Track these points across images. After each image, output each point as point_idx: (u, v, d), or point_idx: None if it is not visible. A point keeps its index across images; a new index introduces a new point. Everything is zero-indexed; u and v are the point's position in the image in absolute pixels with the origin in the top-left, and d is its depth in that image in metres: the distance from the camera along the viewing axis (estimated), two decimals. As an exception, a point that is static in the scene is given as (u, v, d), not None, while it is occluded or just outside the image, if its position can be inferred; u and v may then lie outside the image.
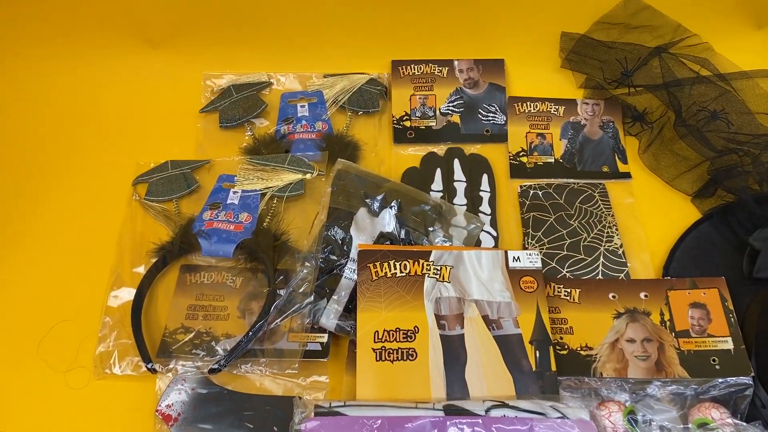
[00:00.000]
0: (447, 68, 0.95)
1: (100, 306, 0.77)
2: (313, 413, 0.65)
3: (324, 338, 0.74)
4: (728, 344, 0.72)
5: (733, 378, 0.70)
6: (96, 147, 0.91)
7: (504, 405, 0.65)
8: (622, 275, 0.79)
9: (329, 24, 0.94)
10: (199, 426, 0.70)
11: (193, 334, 0.75)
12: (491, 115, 0.92)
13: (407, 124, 0.92)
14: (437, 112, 0.93)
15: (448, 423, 0.64)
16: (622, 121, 0.92)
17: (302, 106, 0.92)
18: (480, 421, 0.64)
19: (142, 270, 0.79)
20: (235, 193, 0.83)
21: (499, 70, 0.95)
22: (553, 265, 0.80)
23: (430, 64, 0.95)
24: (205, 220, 0.81)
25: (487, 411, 0.65)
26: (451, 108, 0.93)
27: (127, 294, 0.78)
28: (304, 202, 0.83)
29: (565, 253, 0.81)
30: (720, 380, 0.70)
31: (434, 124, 0.92)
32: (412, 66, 0.95)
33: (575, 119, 0.92)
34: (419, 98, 0.93)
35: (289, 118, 0.91)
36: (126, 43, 0.96)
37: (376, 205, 0.80)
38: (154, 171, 0.87)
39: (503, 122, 0.92)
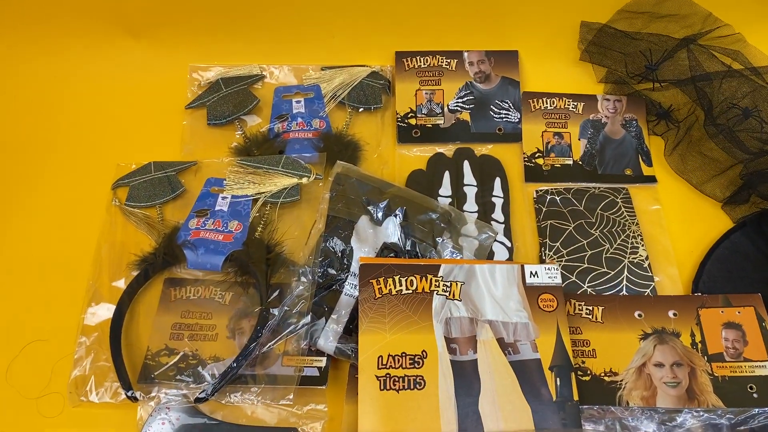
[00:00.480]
0: (456, 61, 0.88)
1: (76, 324, 0.70)
2: (310, 451, 0.59)
3: (322, 362, 0.67)
4: (767, 370, 0.66)
5: (774, 408, 0.64)
6: (72, 146, 0.84)
7: None
8: (648, 291, 0.72)
9: (327, 12, 0.86)
10: (184, 461, 0.64)
11: (178, 356, 0.68)
12: (504, 112, 0.85)
13: (412, 121, 0.84)
14: (445, 108, 0.85)
15: None
16: (646, 120, 0.85)
17: (298, 102, 0.85)
18: None
19: (122, 284, 0.72)
20: (224, 198, 0.76)
21: (512, 63, 0.88)
22: (573, 279, 0.73)
23: (438, 56, 0.88)
24: (191, 228, 0.74)
25: None
26: (460, 104, 0.86)
27: (106, 311, 0.71)
28: (299, 209, 0.76)
29: (586, 266, 0.74)
30: (758, 410, 0.64)
31: (442, 122, 0.85)
32: (418, 58, 0.88)
33: (595, 117, 0.85)
34: (425, 93, 0.86)
35: (283, 115, 0.83)
36: (105, 33, 0.88)
37: (379, 213, 0.73)
38: (135, 173, 0.79)
39: (517, 120, 0.85)
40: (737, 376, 0.66)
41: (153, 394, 0.65)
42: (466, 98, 0.86)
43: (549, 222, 0.77)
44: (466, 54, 0.88)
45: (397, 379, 0.64)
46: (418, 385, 0.64)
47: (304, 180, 0.76)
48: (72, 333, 0.70)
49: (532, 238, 0.77)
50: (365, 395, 0.63)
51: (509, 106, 0.86)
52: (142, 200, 0.77)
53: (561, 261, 0.75)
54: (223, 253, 0.72)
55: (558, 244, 0.76)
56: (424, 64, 0.88)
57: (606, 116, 0.85)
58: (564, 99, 0.86)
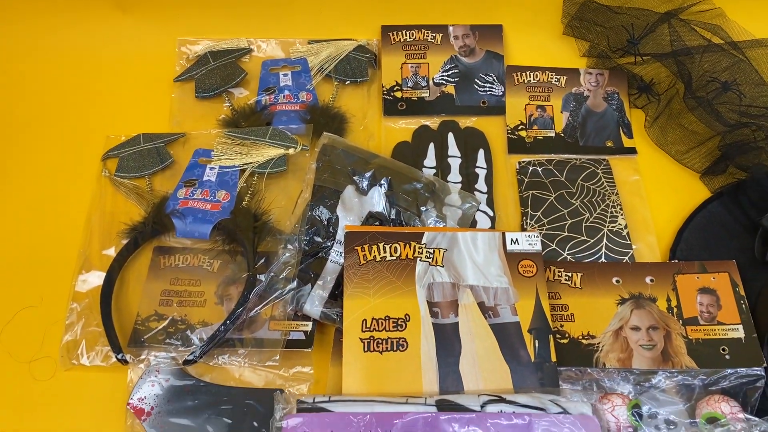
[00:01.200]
0: (441, 35, 0.89)
1: (67, 291, 0.72)
2: (295, 409, 0.60)
3: (308, 327, 0.69)
4: (739, 333, 0.68)
5: (744, 369, 0.66)
6: (62, 119, 0.85)
7: (501, 400, 0.61)
8: (627, 258, 0.74)
9: (314, -14, 0.87)
10: (173, 421, 0.65)
11: (167, 321, 0.69)
12: (488, 85, 0.86)
13: (398, 94, 0.86)
14: (430, 82, 0.87)
15: (440, 419, 0.59)
16: (627, 93, 0.86)
17: (285, 75, 0.85)
18: (475, 417, 0.59)
19: (112, 252, 0.74)
20: (212, 169, 0.77)
21: (496, 37, 0.89)
22: (554, 247, 0.75)
23: (423, 30, 0.89)
24: (179, 198, 0.75)
25: (482, 406, 0.60)
26: (445, 78, 0.87)
27: (96, 278, 0.72)
28: (286, 179, 0.77)
29: (566, 234, 0.76)
30: (730, 371, 0.66)
31: (427, 95, 0.86)
32: (404, 32, 0.89)
33: (578, 90, 0.86)
34: (411, 67, 0.87)
35: (270, 88, 0.84)
36: (95, 7, 0.89)
37: (365, 182, 0.75)
38: (125, 145, 0.81)
39: (501, 93, 0.86)
40: (710, 338, 0.68)
41: (143, 357, 0.67)
42: (450, 72, 0.87)
43: (531, 192, 0.79)
44: (451, 28, 0.89)
45: (380, 341, 0.66)
46: (400, 347, 0.66)
47: (291, 151, 0.78)
48: (63, 300, 0.72)
49: (514, 207, 0.79)
50: (349, 357, 0.65)
51: (493, 80, 0.87)
52: (131, 171, 0.79)
53: (542, 230, 0.76)
54: (210, 222, 0.73)
55: (539, 213, 0.77)
56: (410, 38, 0.89)
57: (588, 90, 0.86)
58: (547, 72, 0.87)
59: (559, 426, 0.59)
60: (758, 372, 0.65)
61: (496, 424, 0.59)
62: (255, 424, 0.64)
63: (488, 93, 0.86)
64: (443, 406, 0.60)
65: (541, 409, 0.60)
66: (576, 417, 0.60)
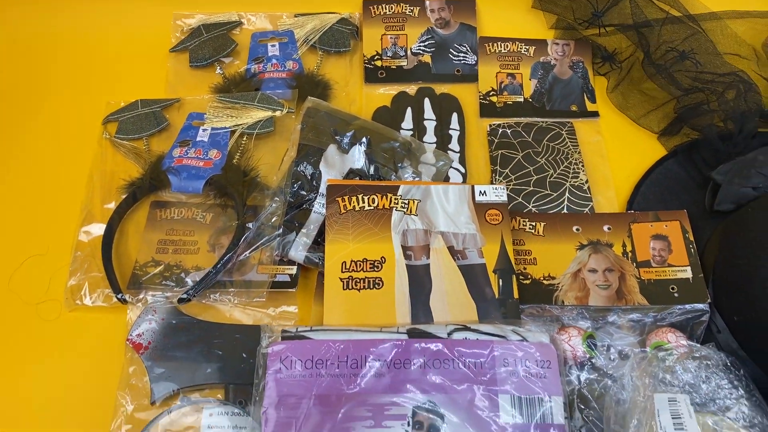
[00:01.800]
0: (418, 8, 0.95)
1: (71, 241, 0.78)
2: (280, 338, 0.67)
3: (293, 270, 0.75)
4: (687, 273, 0.74)
5: (691, 305, 0.72)
6: (66, 87, 0.91)
7: (466, 328, 0.67)
8: (587, 210, 0.81)
9: (300, -38, 0.94)
10: (168, 354, 0.71)
11: (163, 266, 0.76)
12: (462, 55, 0.93)
13: (378, 63, 0.92)
14: (408, 52, 0.93)
15: (411, 345, 0.65)
16: (591, 62, 0.92)
17: (273, 46, 0.92)
18: (442, 343, 0.66)
19: (112, 206, 0.79)
20: (204, 130, 0.83)
21: (470, 10, 0.95)
22: (520, 200, 0.81)
23: (402, 4, 0.95)
24: (174, 156, 0.81)
25: (449, 334, 0.66)
26: (422, 48, 0.93)
27: (98, 230, 0.78)
28: (273, 140, 0.83)
29: (532, 188, 0.82)
30: (678, 307, 0.72)
31: (405, 63, 0.92)
32: (384, 5, 0.95)
33: (545, 59, 0.92)
34: (390, 38, 0.93)
35: (259, 58, 0.90)
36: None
37: (346, 141, 0.81)
38: (124, 110, 0.87)
39: (474, 62, 0.92)
40: (661, 279, 0.74)
41: (140, 297, 0.73)
42: (427, 42, 0.93)
43: (500, 152, 0.85)
44: (428, 2, 0.95)
45: (358, 280, 0.72)
46: (376, 286, 0.72)
47: (278, 113, 0.84)
48: (68, 248, 0.78)
49: (484, 166, 0.85)
50: (330, 294, 0.71)
51: (467, 50, 0.93)
52: (130, 133, 0.85)
53: (509, 185, 0.82)
54: (203, 178, 0.79)
55: (507, 170, 0.84)
56: (389, 12, 0.95)
57: (555, 59, 0.93)
58: (517, 43, 0.93)
59: (518, 351, 0.65)
60: (703, 307, 0.72)
61: (460, 350, 0.65)
62: (244, 355, 0.70)
63: (462, 62, 0.92)
64: (414, 333, 0.66)
65: (503, 336, 0.66)
66: (534, 344, 0.66)
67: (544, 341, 0.67)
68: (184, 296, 0.72)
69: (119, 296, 0.73)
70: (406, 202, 0.76)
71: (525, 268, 0.75)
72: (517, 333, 0.67)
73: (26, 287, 0.76)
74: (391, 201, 0.76)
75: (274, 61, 0.90)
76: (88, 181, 0.82)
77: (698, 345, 0.67)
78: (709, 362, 0.67)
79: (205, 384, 0.69)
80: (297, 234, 0.76)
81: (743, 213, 0.72)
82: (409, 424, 0.62)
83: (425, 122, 0.87)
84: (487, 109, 0.89)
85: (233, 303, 0.73)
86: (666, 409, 0.63)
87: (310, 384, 0.64)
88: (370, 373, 0.64)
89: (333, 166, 0.80)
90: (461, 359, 0.65)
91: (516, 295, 0.71)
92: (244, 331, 0.72)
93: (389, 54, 0.92)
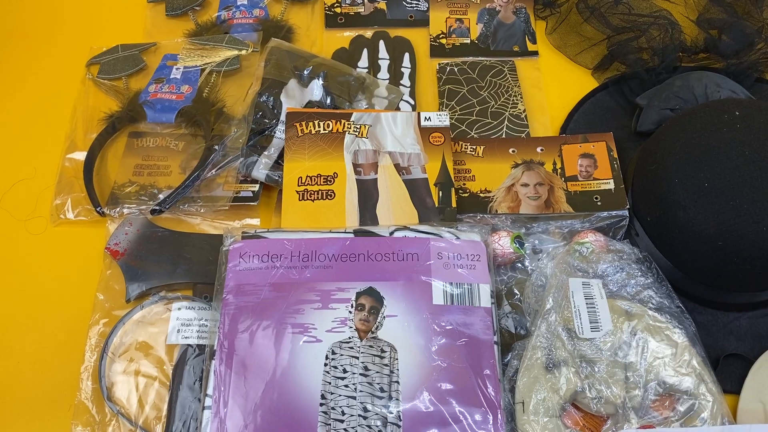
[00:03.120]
0: (375, -40, 1.04)
1: (57, 167, 0.86)
2: (240, 238, 0.75)
3: (255, 187, 0.83)
4: (610, 185, 0.82)
5: (612, 211, 0.80)
6: (52, 33, 1.00)
7: (405, 228, 0.75)
8: (524, 135, 0.89)
9: None
10: (142, 259, 0.79)
11: (138, 186, 0.84)
12: (415, 2, 1.01)
13: (338, 10, 1.00)
14: (365, -1, 1.01)
15: (356, 241, 0.73)
16: (533, 8, 1.00)
17: (241, -4, 1.00)
18: (383, 240, 0.74)
19: (94, 136, 0.87)
20: (177, 69, 0.92)
21: (423, -38, 1.04)
22: (463, 128, 0.89)
23: (360, -44, 1.03)
24: (150, 92, 0.89)
25: (391, 234, 0.75)
26: (378, -4, 1.02)
27: (81, 157, 0.86)
28: (240, 77, 0.91)
29: (474, 118, 0.90)
30: (601, 214, 0.80)
31: (362, 10, 1.00)
32: (344, -41, 1.03)
33: (491, 6, 1.00)
34: (350, -12, 1.02)
35: (229, 6, 0.99)
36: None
37: (305, 75, 0.89)
38: (105, 53, 0.95)
39: (426, 8, 1.00)
40: (586, 190, 0.82)
41: (118, 210, 0.81)
42: (383, -9, 1.02)
43: (447, 87, 0.93)
44: (384, -45, 1.04)
45: (312, 192, 0.80)
46: (329, 197, 0.80)
47: (243, 52, 0.92)
48: (53, 173, 0.86)
49: (433, 99, 0.93)
50: (287, 205, 0.79)
51: (419, -3, 1.02)
52: (111, 73, 0.93)
53: (455, 115, 0.90)
54: (175, 109, 0.87)
55: (453, 102, 0.92)
56: (349, -36, 1.03)
57: (500, 5, 1.00)
58: (466, -9, 1.02)
59: (451, 246, 0.73)
60: (623, 213, 0.80)
61: (399, 245, 0.73)
62: (210, 258, 0.78)
63: (415, 8, 1.00)
64: (359, 233, 0.75)
65: (438, 235, 0.74)
66: (466, 241, 0.74)
67: (476, 239, 0.75)
68: (156, 207, 0.79)
69: (98, 209, 0.81)
70: (358, 126, 0.84)
71: (464, 184, 0.83)
72: (451, 233, 0.75)
73: (16, 206, 0.84)
74: (344, 126, 0.84)
75: (242, 8, 0.98)
76: (72, 115, 0.90)
77: (613, 240, 0.75)
78: (622, 254, 0.75)
79: (174, 283, 0.77)
80: (259, 156, 0.84)
81: (658, 129, 0.80)
82: (352, 306, 0.70)
83: (380, 61, 0.95)
84: (436, 51, 0.97)
85: (200, 214, 0.81)
86: (580, 291, 0.70)
87: (265, 274, 0.72)
88: (318, 264, 0.72)
89: (293, 98, 0.88)
90: (400, 252, 0.73)
91: (454, 204, 0.79)
92: (210, 239, 0.80)
93: (348, 1, 1.00)
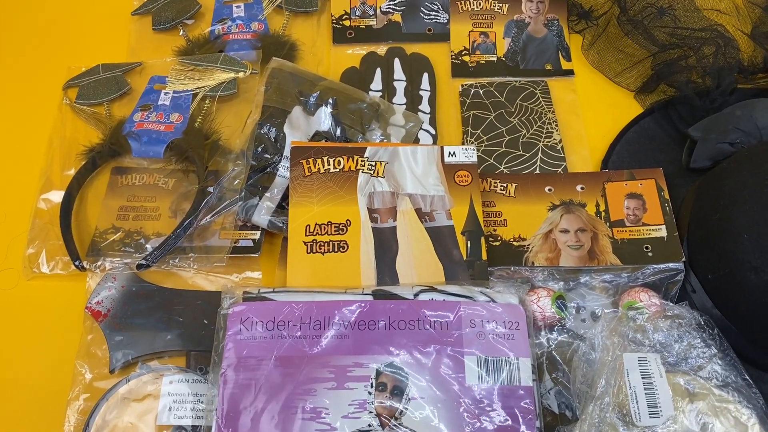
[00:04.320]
0: (388, -34, 0.92)
1: (30, 209, 0.76)
2: (241, 299, 0.65)
3: (256, 235, 0.73)
4: (662, 232, 0.72)
5: (665, 264, 0.70)
6: (26, 51, 0.88)
7: (432, 289, 0.65)
8: (560, 170, 0.78)
9: None
10: (128, 321, 0.69)
11: (123, 233, 0.73)
12: (433, 13, 0.90)
13: (347, 23, 0.89)
14: (378, 10, 0.90)
15: (375, 307, 0.63)
16: (567, 19, 0.89)
17: (238, 7, 0.88)
18: (407, 305, 0.64)
19: (72, 173, 0.77)
20: (166, 94, 0.81)
21: (442, -32, 0.92)
22: (491, 161, 0.79)
23: (371, -38, 0.92)
24: (135, 121, 0.79)
25: (415, 296, 0.65)
26: (392, 6, 0.90)
27: (57, 197, 0.76)
28: (237, 103, 0.81)
29: (504, 149, 0.80)
30: (652, 267, 0.70)
31: (375, 23, 0.89)
32: (353, -36, 0.92)
33: (519, 17, 0.89)
34: (359, -3, 0.91)
35: (223, 19, 0.87)
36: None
37: (311, 102, 0.78)
38: (85, 75, 0.84)
39: (446, 21, 0.89)
40: (635, 238, 0.72)
41: (99, 263, 0.71)
42: (397, 0, 0.90)
43: (472, 112, 0.83)
44: (398, -40, 0.93)
45: (322, 243, 0.70)
46: (341, 249, 0.70)
47: (241, 74, 0.81)
48: (26, 216, 0.76)
49: (456, 127, 0.82)
50: (294, 258, 0.69)
51: (438, 8, 0.90)
52: (90, 98, 0.82)
53: (481, 146, 0.80)
54: (164, 142, 0.77)
55: (479, 131, 0.81)
56: (358, -30, 0.92)
57: (529, 17, 0.90)
58: (490, 1, 0.90)
59: (485, 312, 0.63)
60: (677, 266, 0.70)
61: (425, 311, 0.63)
62: (205, 321, 0.68)
63: (434, 21, 0.89)
64: (379, 295, 0.65)
65: (470, 297, 0.65)
66: (502, 305, 0.64)
67: (513, 302, 0.65)
68: (143, 262, 0.69)
69: (77, 263, 0.71)
70: (373, 164, 0.73)
71: (495, 230, 0.73)
72: (485, 294, 0.65)
73: (-18, 256, 0.75)
74: (357, 163, 0.74)
75: (239, 22, 0.87)
76: (47, 148, 0.80)
77: (671, 304, 0.65)
78: (681, 321, 0.65)
79: (165, 351, 0.67)
80: (260, 198, 0.74)
81: (718, 169, 0.70)
82: (372, 386, 0.60)
83: (395, 83, 0.84)
84: (459, 69, 0.86)
85: (193, 269, 0.71)
86: (636, 369, 0.61)
87: (271, 346, 0.62)
88: (333, 334, 0.62)
89: (298, 129, 0.77)
90: (426, 320, 0.63)
91: (484, 256, 0.69)
92: (206, 297, 0.70)
93: (358, 13, 0.89)
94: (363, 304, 0.63)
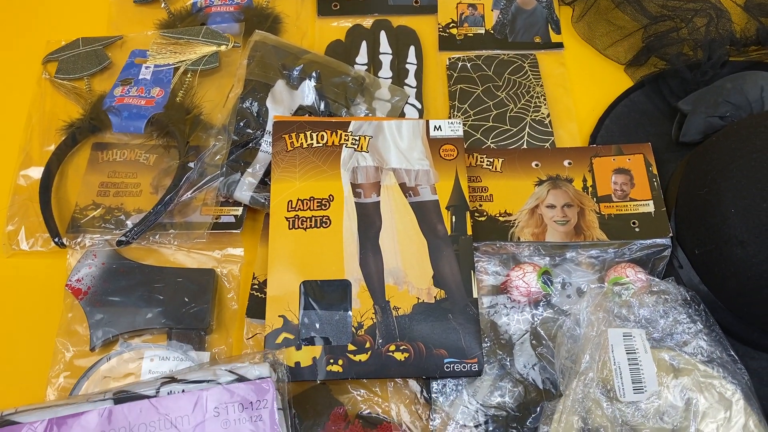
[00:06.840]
0: (375, -65, 0.90)
1: (9, 185, 0.75)
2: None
3: (238, 211, 0.72)
4: (649, 207, 0.71)
5: (652, 239, 0.69)
6: (2, 24, 0.86)
7: (173, 380, 0.59)
8: (548, 145, 0.77)
9: None
10: (108, 299, 0.68)
11: (103, 209, 0.72)
12: (420, -15, 0.88)
13: (332, -5, 0.87)
14: (364, -18, 0.88)
15: (115, 414, 0.57)
16: (557, -9, 0.88)
17: (220, -21, 0.87)
18: (148, 404, 0.58)
19: (52, 149, 0.75)
20: (147, 68, 0.79)
21: (429, -62, 0.90)
22: (478, 136, 0.77)
23: (357, -69, 0.90)
24: (116, 96, 0.77)
25: (157, 390, 0.58)
26: (378, -22, 0.88)
27: (37, 173, 0.75)
28: (220, 77, 0.79)
29: (491, 124, 0.78)
30: (639, 242, 0.69)
31: (360, -5, 0.87)
32: (338, -66, 0.90)
33: (509, -12, 0.88)
34: (345, -31, 0.88)
35: (206, -9, 0.86)
36: None
37: (295, 76, 0.77)
38: (64, 49, 0.82)
39: (433, -8, 0.87)
40: (622, 213, 0.71)
41: (79, 240, 0.70)
42: (384, -28, 0.89)
43: (459, 86, 0.81)
44: (385, -70, 0.90)
45: (304, 219, 0.68)
46: (324, 224, 0.69)
47: (223, 48, 0.79)
48: (5, 193, 0.74)
49: (442, 101, 0.81)
50: (275, 234, 0.68)
51: (426, -20, 0.88)
52: (70, 72, 0.80)
53: (468, 121, 0.79)
54: (145, 117, 0.75)
55: (466, 105, 0.80)
56: (344, -60, 0.90)
57: (519, -12, 0.88)
58: (479, -28, 0.89)
59: (229, 394, 0.58)
60: (664, 242, 0.69)
61: (167, 407, 0.57)
62: (186, 299, 0.68)
63: (420, -8, 0.88)
64: (121, 399, 0.58)
65: (213, 380, 0.59)
66: (249, 383, 0.58)
67: (264, 375, 0.59)
68: (123, 239, 0.68)
69: (56, 240, 0.70)
70: (357, 138, 0.72)
71: (481, 205, 0.72)
72: (233, 372, 0.59)
73: (-38, 233, 0.73)
74: (341, 138, 0.72)
75: (221, -6, 0.86)
76: (26, 123, 0.78)
77: (657, 279, 0.65)
78: (667, 297, 0.64)
79: (146, 329, 0.67)
80: (242, 174, 0.72)
81: (707, 143, 0.68)
82: None
83: (381, 56, 0.82)
84: (446, 42, 0.84)
85: (174, 245, 0.70)
86: (620, 344, 0.60)
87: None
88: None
89: (281, 103, 0.76)
90: (167, 418, 0.57)
91: (469, 231, 0.68)
92: (187, 274, 0.69)
93: (343, -15, 0.88)
94: (102, 412, 0.57)
